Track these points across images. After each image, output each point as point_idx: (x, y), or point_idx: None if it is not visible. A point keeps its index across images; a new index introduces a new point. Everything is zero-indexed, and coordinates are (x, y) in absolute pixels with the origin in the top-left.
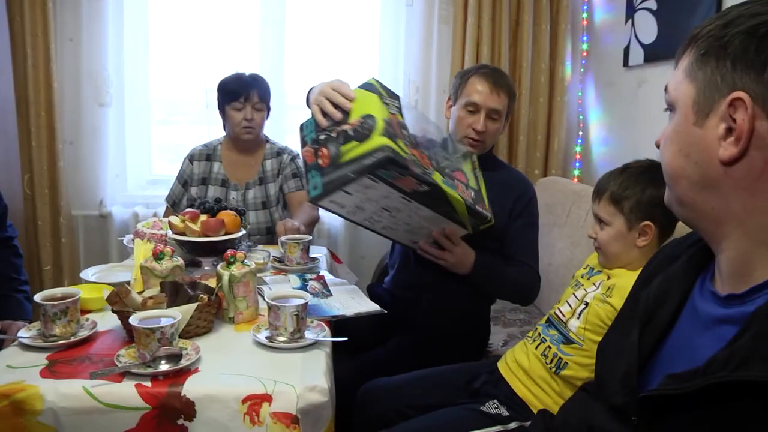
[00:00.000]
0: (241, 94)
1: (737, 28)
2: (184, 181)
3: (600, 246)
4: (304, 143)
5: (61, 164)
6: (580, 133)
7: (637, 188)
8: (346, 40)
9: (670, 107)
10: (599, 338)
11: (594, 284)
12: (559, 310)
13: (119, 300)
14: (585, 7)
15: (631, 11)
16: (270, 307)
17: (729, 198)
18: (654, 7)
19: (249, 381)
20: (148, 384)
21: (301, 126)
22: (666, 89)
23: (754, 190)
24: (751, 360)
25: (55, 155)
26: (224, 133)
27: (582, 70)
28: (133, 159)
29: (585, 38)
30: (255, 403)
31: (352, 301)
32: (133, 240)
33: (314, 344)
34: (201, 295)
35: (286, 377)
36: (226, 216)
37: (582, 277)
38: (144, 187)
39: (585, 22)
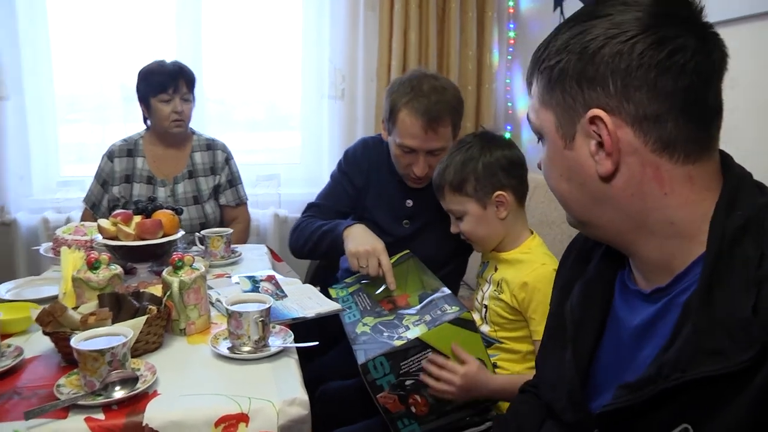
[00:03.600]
0: (169, 86)
1: (570, 52)
2: (103, 180)
3: (468, 237)
4: (375, 387)
5: None
6: (510, 120)
7: (470, 165)
8: (268, 28)
9: (539, 136)
10: (511, 333)
11: (487, 281)
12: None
13: (53, 319)
14: None
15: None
16: (230, 315)
17: (622, 207)
18: None
19: (219, 401)
20: (101, 416)
21: (365, 365)
22: (528, 118)
23: (642, 193)
24: (699, 356)
25: None
26: (144, 127)
27: (509, 57)
28: (39, 159)
29: (512, 26)
30: (230, 424)
31: (309, 301)
32: (53, 249)
33: (281, 352)
34: (149, 306)
35: (261, 392)
36: (163, 216)
37: (479, 276)
38: (53, 189)
39: (511, 10)
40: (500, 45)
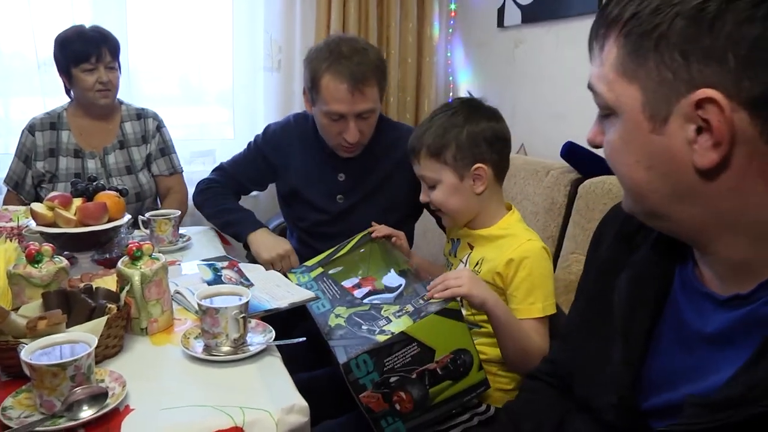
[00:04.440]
0: (91, 54)
1: (674, 9)
2: (24, 156)
3: (439, 208)
4: (358, 387)
5: None
6: (451, 94)
7: (453, 132)
8: None
9: (606, 111)
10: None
11: (462, 261)
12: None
13: None
14: None
15: None
16: (205, 311)
17: (713, 203)
18: None
19: (206, 414)
20: None
21: (347, 364)
22: (593, 89)
23: (742, 189)
24: None
25: None
26: (68, 99)
27: (450, 30)
28: None
29: None
30: None
31: (279, 290)
32: None
33: (264, 350)
34: (108, 305)
35: (253, 400)
36: (107, 198)
37: (450, 255)
38: None
39: None
40: (441, 18)
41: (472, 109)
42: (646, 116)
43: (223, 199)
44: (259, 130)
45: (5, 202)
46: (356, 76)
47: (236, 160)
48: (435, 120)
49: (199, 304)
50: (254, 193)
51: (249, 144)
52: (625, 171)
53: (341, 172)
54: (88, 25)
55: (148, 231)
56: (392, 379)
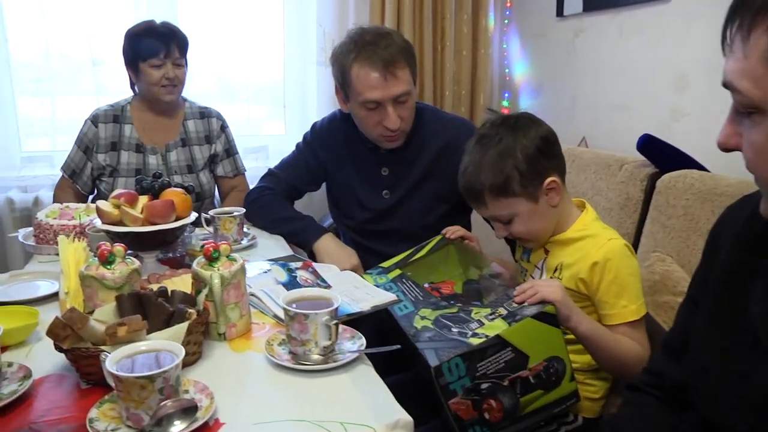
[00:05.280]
0: (160, 50)
1: None
2: (85, 146)
3: (522, 238)
4: (449, 392)
5: None
6: (507, 87)
7: (508, 161)
8: None
9: (751, 109)
10: None
11: (537, 267)
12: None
13: (72, 333)
14: None
15: None
16: (293, 317)
17: None
18: None
19: (305, 429)
20: None
21: (438, 368)
22: (732, 86)
23: None
24: None
25: None
26: (132, 93)
27: (506, 21)
28: None
29: None
30: None
31: (358, 291)
32: (35, 236)
33: (356, 359)
34: (188, 310)
35: (353, 415)
36: (174, 196)
37: (522, 260)
38: (16, 166)
39: None
40: (496, 8)
41: (511, 126)
42: None
43: (277, 206)
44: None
45: (58, 188)
46: (386, 60)
47: (286, 162)
48: (481, 154)
49: (286, 310)
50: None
51: (297, 145)
52: None
53: (384, 167)
54: (158, 20)
55: (211, 229)
56: (483, 386)
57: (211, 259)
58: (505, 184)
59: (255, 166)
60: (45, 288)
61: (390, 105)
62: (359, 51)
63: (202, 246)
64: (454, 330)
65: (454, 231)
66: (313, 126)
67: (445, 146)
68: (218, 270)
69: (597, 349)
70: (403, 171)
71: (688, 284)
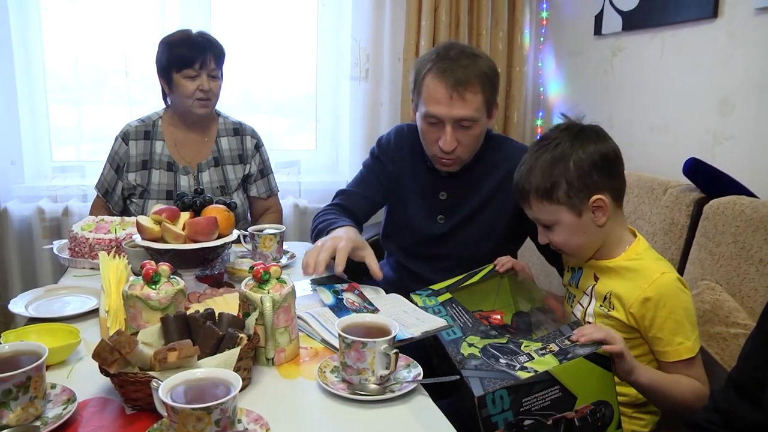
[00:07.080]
0: (196, 60)
1: None
2: (117, 165)
3: (561, 248)
4: (489, 424)
5: None
6: (541, 105)
7: (559, 167)
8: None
9: None
10: None
11: (585, 293)
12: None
13: (120, 357)
14: None
15: None
16: (350, 344)
17: None
18: None
19: None
20: None
21: (482, 398)
22: None
23: None
24: None
25: None
26: (164, 106)
27: (542, 39)
28: (30, 142)
29: (545, 5)
30: None
31: (407, 316)
32: (69, 249)
33: (414, 390)
34: (239, 335)
35: None
36: (217, 212)
37: (570, 285)
38: (48, 176)
39: None
40: (532, 26)
41: (573, 135)
42: None
43: (331, 217)
44: (344, 141)
45: (93, 207)
46: (458, 79)
47: (356, 180)
48: (537, 155)
49: (342, 337)
50: None
51: (364, 162)
52: None
53: (443, 191)
54: (195, 30)
55: (250, 247)
56: (526, 422)
57: (262, 281)
58: (551, 190)
59: (287, 181)
60: (83, 304)
61: (450, 125)
62: (438, 62)
63: (251, 267)
64: (502, 361)
65: (504, 263)
66: (379, 140)
67: (507, 176)
68: (269, 293)
69: (657, 394)
70: (461, 198)
71: (759, 316)
